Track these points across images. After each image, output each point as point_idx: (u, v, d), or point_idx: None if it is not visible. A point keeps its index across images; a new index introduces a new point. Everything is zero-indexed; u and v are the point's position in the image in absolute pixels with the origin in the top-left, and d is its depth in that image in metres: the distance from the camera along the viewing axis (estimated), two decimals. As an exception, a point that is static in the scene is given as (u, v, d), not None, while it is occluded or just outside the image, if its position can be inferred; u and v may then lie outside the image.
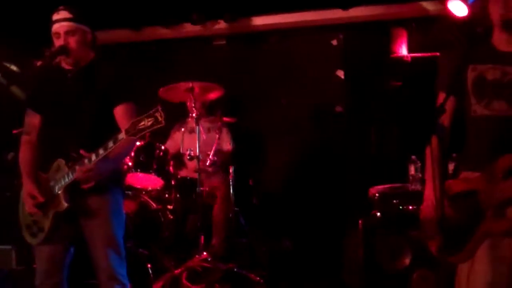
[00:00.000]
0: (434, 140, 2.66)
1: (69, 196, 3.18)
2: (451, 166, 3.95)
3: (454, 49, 2.98)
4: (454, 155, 4.01)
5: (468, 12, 4.74)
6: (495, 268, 2.70)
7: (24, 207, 3.33)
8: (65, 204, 3.16)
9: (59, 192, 3.19)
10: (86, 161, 3.09)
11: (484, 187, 2.69)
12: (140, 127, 2.93)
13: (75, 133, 3.28)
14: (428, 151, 2.79)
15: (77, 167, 3.10)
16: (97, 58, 3.44)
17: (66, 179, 3.17)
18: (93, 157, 3.07)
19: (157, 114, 2.90)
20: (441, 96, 2.85)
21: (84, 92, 3.31)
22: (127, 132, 2.96)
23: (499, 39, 2.83)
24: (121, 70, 3.42)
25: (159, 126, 2.92)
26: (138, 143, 5.11)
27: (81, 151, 3.10)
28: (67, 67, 3.38)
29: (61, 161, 3.22)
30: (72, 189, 3.18)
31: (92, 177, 3.10)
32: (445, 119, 2.81)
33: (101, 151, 3.05)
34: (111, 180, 3.33)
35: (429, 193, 2.82)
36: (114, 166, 3.28)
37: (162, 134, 5.66)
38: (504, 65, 2.78)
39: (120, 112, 3.32)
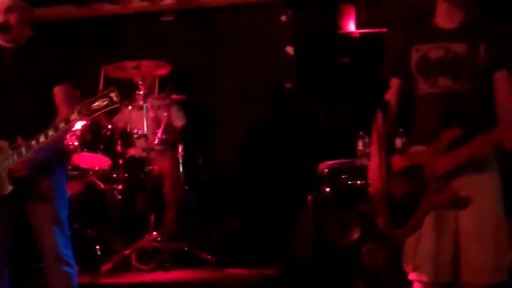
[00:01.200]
0: (379, 116, 2.69)
1: (13, 179, 3.09)
2: (399, 142, 4.01)
3: (398, 29, 3.02)
4: (401, 129, 4.06)
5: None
6: (440, 240, 2.77)
7: None
8: (10, 187, 3.09)
9: (3, 175, 3.09)
10: (23, 149, 3.03)
11: (429, 160, 2.73)
12: (95, 107, 2.87)
13: (14, 114, 3.19)
14: (373, 127, 2.82)
15: (20, 154, 3.03)
16: (34, 36, 3.35)
17: (10, 161, 3.08)
18: (41, 139, 2.99)
19: (112, 94, 2.85)
20: (393, 81, 2.92)
21: (23, 72, 3.22)
22: (79, 112, 2.89)
23: (441, 16, 2.85)
24: (61, 50, 3.34)
25: (114, 106, 2.87)
26: (84, 122, 5.01)
27: (18, 139, 3.03)
28: (5, 44, 3.28)
29: (4, 143, 3.13)
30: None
31: (26, 168, 3.06)
32: (391, 97, 2.84)
33: (50, 133, 2.98)
34: (55, 161, 3.26)
35: (374, 168, 2.86)
36: (50, 153, 3.19)
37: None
38: (446, 42, 2.81)
39: (59, 93, 3.25)
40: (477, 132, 2.65)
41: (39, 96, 3.22)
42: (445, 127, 2.72)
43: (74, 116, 2.92)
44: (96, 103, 2.86)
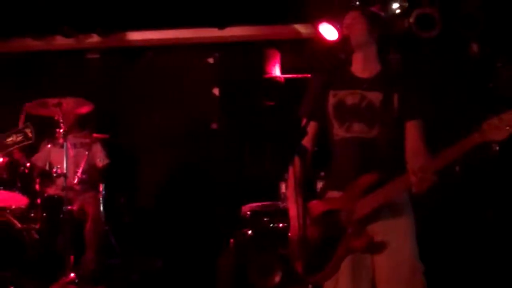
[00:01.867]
0: (296, 161, 2.75)
1: None
2: (319, 185, 4.08)
3: (318, 74, 3.10)
4: (322, 173, 4.15)
5: (338, 36, 4.94)
6: (357, 284, 2.81)
7: None
8: None
9: None
10: None
11: (345, 205, 2.78)
12: (8, 143, 2.82)
13: None
14: (290, 172, 2.88)
15: None
16: None
17: None
18: None
19: (27, 130, 2.82)
20: (304, 121, 2.94)
21: None
22: None
23: (357, 65, 2.96)
24: None
25: (28, 142, 2.83)
26: (0, 159, 4.87)
27: None
28: None
29: None
30: None
31: None
32: (307, 142, 2.89)
33: None
34: None
35: (293, 213, 2.88)
36: None
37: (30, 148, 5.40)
38: (362, 90, 2.91)
39: None
40: (391, 177, 2.73)
41: None
42: (360, 172, 2.78)
43: None
44: (10, 138, 2.82)
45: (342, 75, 2.97)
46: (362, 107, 2.89)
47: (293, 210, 2.89)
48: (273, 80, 5.93)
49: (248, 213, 4.72)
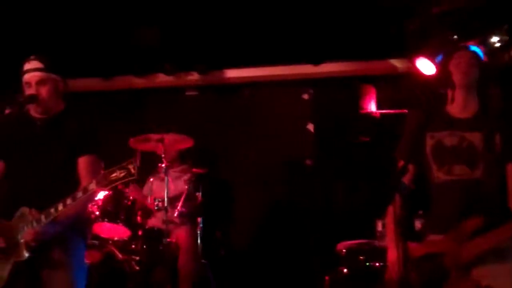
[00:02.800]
0: (397, 199, 2.71)
1: (30, 247, 3.11)
2: (418, 224, 3.99)
3: (415, 113, 3.07)
4: (420, 212, 4.06)
5: (436, 71, 4.86)
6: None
7: None
8: (26, 254, 3.10)
9: (22, 241, 3.12)
10: (42, 217, 3.05)
11: (449, 249, 2.73)
12: (112, 178, 2.89)
13: (39, 183, 3.24)
14: (390, 211, 2.84)
15: (39, 221, 3.06)
16: (67, 108, 3.43)
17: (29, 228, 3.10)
18: (60, 207, 3.03)
19: (130, 166, 2.87)
20: (401, 163, 2.94)
21: (51, 142, 3.30)
22: (97, 182, 2.93)
23: (457, 104, 2.92)
24: (88, 121, 3.41)
25: (131, 178, 2.88)
26: (106, 192, 5.07)
27: (33, 210, 3.08)
28: (36, 115, 3.37)
29: (25, 209, 3.17)
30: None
31: (37, 239, 3.08)
32: (406, 180, 2.87)
33: (68, 201, 3.01)
34: (74, 231, 3.29)
35: (392, 254, 2.86)
36: (67, 223, 3.21)
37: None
38: (460, 131, 2.87)
39: (83, 164, 3.30)
40: (496, 220, 2.67)
41: (64, 166, 3.27)
42: (464, 215, 2.73)
43: (92, 186, 2.96)
44: (114, 174, 2.88)
45: (439, 115, 2.94)
46: (463, 149, 2.84)
47: (392, 252, 2.86)
48: (369, 116, 5.90)
49: (344, 250, 4.67)
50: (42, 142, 3.30)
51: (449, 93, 2.94)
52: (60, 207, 3.03)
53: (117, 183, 2.90)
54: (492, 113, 2.92)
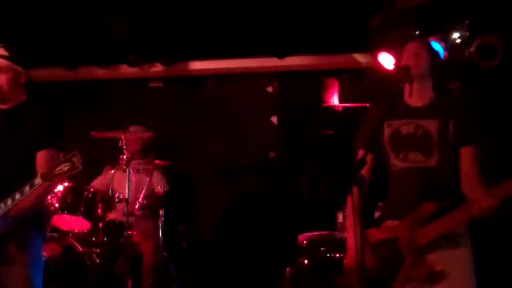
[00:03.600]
0: (355, 191, 2.75)
1: None
2: (376, 215, 4.04)
3: (375, 106, 3.11)
4: (380, 204, 4.11)
5: (395, 66, 4.92)
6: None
7: None
8: None
9: None
10: None
11: (404, 234, 2.77)
12: (56, 172, 2.88)
13: None
14: (349, 201, 2.88)
15: None
16: (28, 100, 3.38)
17: None
18: (9, 202, 2.99)
19: (74, 159, 2.86)
20: (360, 152, 2.96)
21: (10, 134, 3.24)
22: (42, 177, 2.91)
23: (411, 95, 2.95)
24: (49, 114, 3.35)
25: (75, 171, 2.87)
26: (66, 184, 5.02)
27: None
28: None
29: None
30: None
31: None
32: (365, 172, 2.91)
33: (17, 196, 2.98)
34: (29, 225, 3.24)
35: (351, 242, 2.89)
36: (15, 222, 3.15)
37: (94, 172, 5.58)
38: (417, 119, 2.91)
39: (41, 158, 3.25)
40: (450, 206, 2.71)
41: (22, 160, 3.23)
42: (419, 201, 2.77)
43: (37, 180, 2.93)
44: (59, 168, 2.87)
45: (398, 106, 2.98)
46: (418, 136, 2.89)
47: (350, 239, 2.90)
48: (331, 109, 5.94)
49: (305, 242, 4.70)
50: (1, 133, 3.24)
51: (407, 86, 2.98)
52: (9, 201, 3.00)
53: (62, 176, 2.89)
54: (448, 102, 2.97)
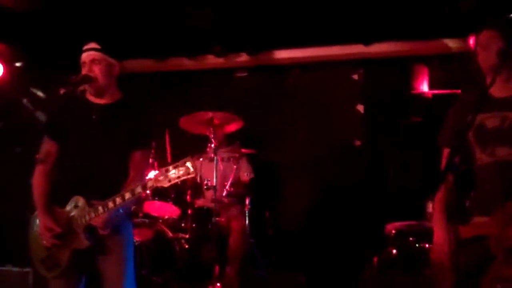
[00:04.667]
0: (449, 180, 2.72)
1: (90, 235, 3.19)
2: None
3: (461, 97, 2.99)
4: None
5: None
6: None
7: (37, 242, 3.32)
8: (87, 243, 3.18)
9: (80, 230, 3.18)
10: (100, 208, 3.10)
11: (494, 231, 2.66)
12: (171, 176, 2.90)
13: (94, 171, 3.26)
14: (437, 196, 2.79)
15: (97, 211, 3.12)
16: (124, 97, 3.45)
17: (87, 218, 3.15)
18: (118, 200, 3.06)
19: (189, 164, 2.88)
20: (446, 151, 2.88)
21: (108, 131, 3.30)
22: (156, 180, 2.94)
23: (496, 85, 2.78)
24: (145, 114, 3.42)
25: (190, 176, 2.90)
26: (157, 172, 5.14)
27: (94, 202, 3.13)
28: (93, 100, 3.40)
29: (81, 199, 3.21)
30: (93, 228, 3.18)
31: (108, 225, 3.14)
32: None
33: (127, 195, 3.03)
34: (125, 217, 3.36)
35: (438, 236, 2.81)
36: (127, 213, 3.33)
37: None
38: (502, 111, 2.79)
39: (137, 158, 3.32)
40: None
41: (119, 158, 3.30)
42: (508, 196, 2.65)
43: (151, 183, 2.96)
44: (173, 172, 2.89)
45: (479, 97, 2.83)
46: (505, 129, 2.76)
47: (438, 233, 2.81)
48: (421, 96, 5.78)
49: (393, 231, 4.62)
50: (99, 130, 3.31)
51: (488, 77, 2.83)
52: (118, 201, 3.05)
53: (176, 181, 2.90)
54: None
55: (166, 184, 2.92)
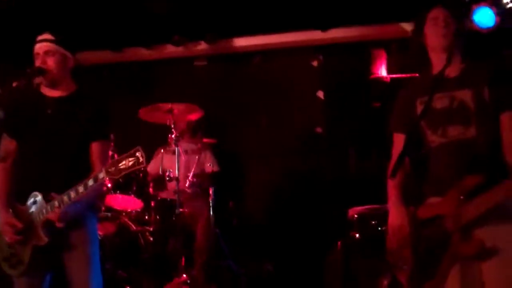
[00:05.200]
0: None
1: (48, 230, 3.13)
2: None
3: (406, 83, 3.00)
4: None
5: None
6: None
7: (0, 240, 3.26)
8: (45, 239, 3.12)
9: (38, 226, 3.13)
10: (56, 202, 3.06)
11: (449, 211, 2.64)
12: (121, 167, 2.88)
13: (53, 166, 3.22)
14: (394, 181, 2.80)
15: (53, 206, 3.07)
16: (80, 89, 3.39)
17: (45, 214, 3.11)
18: (72, 194, 3.02)
19: (138, 154, 2.86)
20: (396, 136, 2.89)
21: (65, 124, 3.26)
22: (106, 172, 2.91)
23: (439, 67, 2.76)
24: (102, 105, 3.37)
25: (140, 166, 2.87)
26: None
27: (52, 194, 3.08)
28: (47, 93, 3.33)
29: (38, 195, 3.16)
30: (51, 223, 3.12)
31: (63, 218, 3.08)
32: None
33: (80, 189, 3.01)
34: (88, 211, 3.31)
35: (396, 221, 2.80)
36: (86, 206, 3.25)
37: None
38: (450, 91, 2.76)
39: (96, 149, 3.28)
40: (495, 178, 2.55)
41: (77, 151, 3.26)
42: (462, 175, 2.63)
43: (101, 175, 2.94)
44: (123, 163, 2.88)
45: (425, 79, 2.83)
46: (454, 109, 2.74)
47: (395, 217, 2.81)
48: (379, 81, 5.83)
49: (355, 216, 4.67)
50: (55, 123, 3.26)
51: (433, 58, 2.82)
52: (73, 194, 3.02)
53: (126, 171, 2.88)
54: (478, 67, 2.78)
55: (117, 176, 2.91)
